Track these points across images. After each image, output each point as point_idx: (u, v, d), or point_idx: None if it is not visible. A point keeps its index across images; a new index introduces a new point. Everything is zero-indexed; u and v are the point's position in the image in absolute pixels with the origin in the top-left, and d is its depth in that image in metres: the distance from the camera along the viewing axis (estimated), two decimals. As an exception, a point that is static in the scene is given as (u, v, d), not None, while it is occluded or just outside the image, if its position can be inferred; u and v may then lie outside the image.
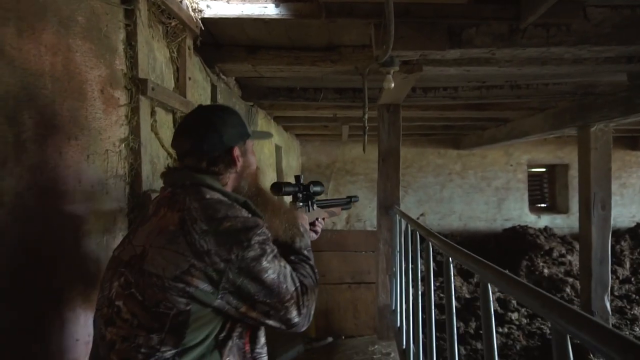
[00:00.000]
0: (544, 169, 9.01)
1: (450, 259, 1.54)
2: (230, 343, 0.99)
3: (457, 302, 5.32)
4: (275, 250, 1.03)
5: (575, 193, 8.26)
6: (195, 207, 0.98)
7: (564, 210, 8.48)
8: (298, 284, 1.04)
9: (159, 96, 1.67)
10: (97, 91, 1.33)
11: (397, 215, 3.14)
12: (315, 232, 1.49)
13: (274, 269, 0.99)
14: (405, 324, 2.57)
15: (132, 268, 0.97)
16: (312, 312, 1.07)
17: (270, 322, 1.00)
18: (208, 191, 1.04)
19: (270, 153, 5.19)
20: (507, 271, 1.08)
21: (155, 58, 1.81)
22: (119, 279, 0.98)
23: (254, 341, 1.06)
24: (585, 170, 3.94)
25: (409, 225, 2.56)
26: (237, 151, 1.13)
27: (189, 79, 2.08)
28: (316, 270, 1.19)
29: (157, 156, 1.77)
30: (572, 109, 4.04)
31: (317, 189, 1.50)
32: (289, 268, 1.04)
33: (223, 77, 2.97)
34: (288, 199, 1.50)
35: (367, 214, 8.40)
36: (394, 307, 3.19)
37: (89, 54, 1.29)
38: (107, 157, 1.39)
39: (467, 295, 5.69)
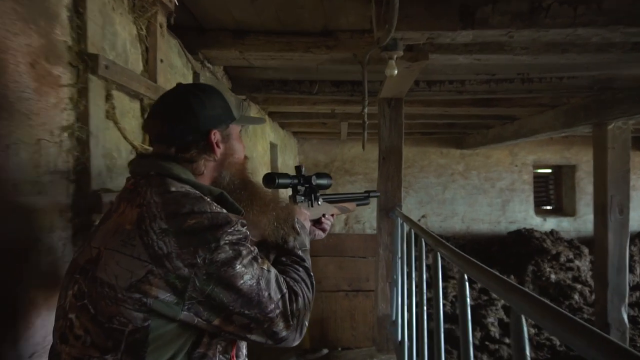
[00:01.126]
0: (550, 170, 8.73)
1: (465, 275, 1.26)
2: None
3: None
4: (255, 252, 0.87)
5: (582, 195, 8.01)
6: (156, 201, 0.83)
7: (571, 212, 8.21)
8: (285, 291, 0.89)
9: (117, 77, 1.39)
10: (24, 64, 1.05)
11: (399, 218, 2.88)
12: (322, 229, 1.30)
13: (251, 274, 0.83)
14: (408, 338, 2.31)
15: (87, 274, 0.81)
16: (306, 323, 0.92)
17: (253, 337, 0.85)
18: (174, 183, 0.87)
19: (265, 151, 4.91)
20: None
21: (117, 33, 1.53)
22: (73, 287, 0.84)
23: (237, 355, 0.92)
24: (601, 171, 3.67)
25: (412, 229, 2.29)
26: (216, 136, 0.96)
27: (161, 61, 1.81)
28: (312, 274, 0.99)
29: (117, 149, 1.49)
30: (588, 105, 3.76)
31: (322, 181, 1.28)
32: (273, 272, 0.89)
33: (208, 65, 2.70)
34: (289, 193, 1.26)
35: (366, 215, 8.13)
36: (394, 318, 2.94)
37: (12, 16, 1.02)
38: (41, 148, 1.11)
39: (471, 302, 5.40)
